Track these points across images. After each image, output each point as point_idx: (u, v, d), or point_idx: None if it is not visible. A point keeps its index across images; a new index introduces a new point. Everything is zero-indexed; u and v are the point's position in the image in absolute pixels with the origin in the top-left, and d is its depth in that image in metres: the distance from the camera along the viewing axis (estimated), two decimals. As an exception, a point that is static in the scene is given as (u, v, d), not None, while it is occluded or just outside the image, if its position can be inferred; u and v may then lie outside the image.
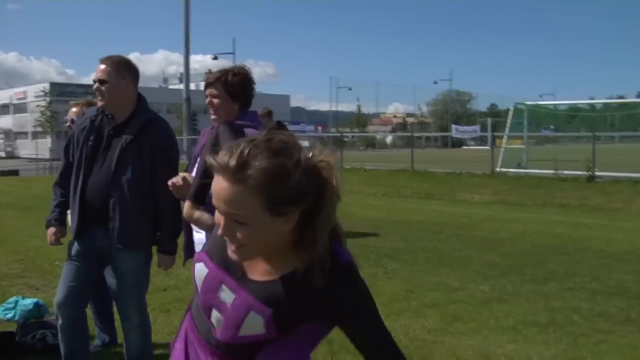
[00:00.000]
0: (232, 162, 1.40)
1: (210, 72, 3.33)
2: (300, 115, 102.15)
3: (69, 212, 3.72)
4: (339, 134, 46.98)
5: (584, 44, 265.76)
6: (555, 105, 41.97)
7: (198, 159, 3.15)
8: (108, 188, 3.46)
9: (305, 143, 1.57)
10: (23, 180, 24.55)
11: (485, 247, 8.53)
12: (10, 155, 64.23)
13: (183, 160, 11.55)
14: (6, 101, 73.17)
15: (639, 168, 19.60)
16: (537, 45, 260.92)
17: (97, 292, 4.26)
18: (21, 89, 72.43)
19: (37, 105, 57.04)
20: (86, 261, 3.58)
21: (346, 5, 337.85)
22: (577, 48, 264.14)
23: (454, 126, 58.77)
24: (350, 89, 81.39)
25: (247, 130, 2.88)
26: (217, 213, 1.48)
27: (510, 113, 29.03)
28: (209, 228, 2.16)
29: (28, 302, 4.83)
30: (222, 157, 1.42)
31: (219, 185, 1.42)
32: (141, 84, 3.76)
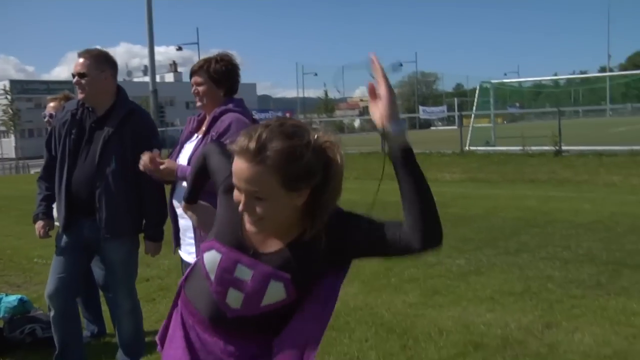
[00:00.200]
0: (252, 146, 1.57)
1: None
2: (268, 103, 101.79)
3: (54, 205, 3.77)
4: (307, 120, 46.92)
5: (545, 18, 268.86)
6: (520, 82, 42.58)
7: (185, 145, 3.23)
8: (93, 179, 3.52)
9: None
10: (-11, 181, 24.18)
11: (459, 224, 8.72)
12: (-27, 156, 62.98)
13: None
14: (-36, 101, 71.61)
15: (603, 141, 20.10)
16: (499, 22, 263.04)
17: (84, 284, 4.31)
18: (-21, 88, 70.89)
19: (-2, 104, 55.85)
20: (75, 252, 3.64)
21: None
22: (539, 23, 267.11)
23: (421, 107, 59.25)
24: (316, 75, 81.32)
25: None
26: (236, 192, 1.63)
27: (477, 92, 29.38)
28: (200, 225, 2.25)
29: (12, 299, 4.84)
30: (242, 141, 1.59)
31: (240, 166, 1.59)
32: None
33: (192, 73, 3.17)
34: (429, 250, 1.63)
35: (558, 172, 14.46)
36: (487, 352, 4.10)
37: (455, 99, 64.06)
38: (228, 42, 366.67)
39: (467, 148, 21.23)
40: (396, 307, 5.09)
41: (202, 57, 3.30)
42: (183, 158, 3.15)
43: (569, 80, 50.10)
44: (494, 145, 22.82)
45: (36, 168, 34.22)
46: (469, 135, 23.26)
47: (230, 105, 3.08)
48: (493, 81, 29.87)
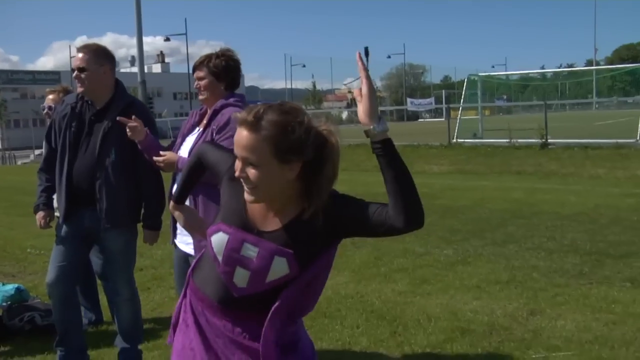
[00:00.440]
0: (250, 117, 1.79)
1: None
2: (256, 94, 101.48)
3: (54, 196, 3.87)
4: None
5: (533, 10, 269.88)
6: (507, 75, 42.83)
7: (186, 138, 3.35)
8: (94, 171, 3.62)
9: None
10: (-24, 172, 24.10)
11: (447, 215, 8.89)
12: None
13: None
14: (-50, 91, 70.83)
15: (589, 134, 20.34)
16: (487, 14, 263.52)
17: (83, 273, 4.41)
18: (-37, 78, 70.17)
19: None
20: (74, 242, 3.74)
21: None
22: (527, 15, 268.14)
23: (409, 99, 59.31)
24: (304, 66, 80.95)
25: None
26: (237, 161, 1.83)
27: (464, 85, 29.54)
28: (186, 225, 2.36)
29: (9, 288, 4.91)
30: (243, 114, 1.80)
31: (239, 134, 1.81)
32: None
33: (194, 68, 3.32)
34: (413, 230, 1.81)
35: (544, 164, 14.67)
36: (474, 338, 4.25)
37: (443, 91, 64.15)
38: (216, 33, 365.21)
39: (454, 140, 21.36)
40: (386, 295, 5.24)
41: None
42: (184, 150, 3.27)
43: (556, 73, 50.55)
44: (481, 138, 22.99)
45: (23, 159, 34.04)
46: (457, 128, 23.40)
47: (231, 100, 3.20)
48: (481, 74, 30.06)
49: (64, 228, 3.74)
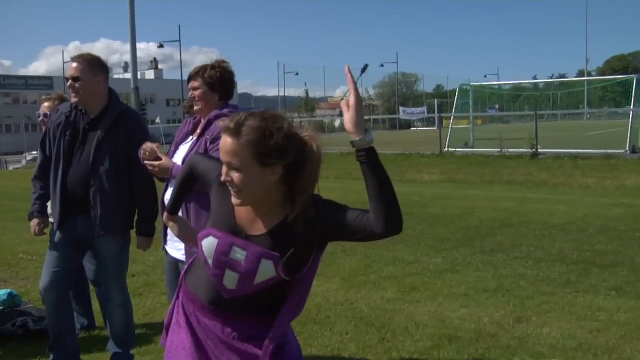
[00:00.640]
0: (232, 124, 1.91)
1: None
2: (249, 101, 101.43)
3: (48, 204, 3.93)
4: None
5: (525, 21, 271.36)
6: (499, 85, 43.10)
7: (180, 147, 3.42)
8: (88, 179, 3.68)
9: None
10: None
11: (437, 224, 8.98)
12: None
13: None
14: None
15: (579, 144, 20.52)
16: (480, 24, 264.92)
17: (76, 278, 4.46)
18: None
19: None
20: (68, 248, 3.80)
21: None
22: (519, 25, 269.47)
23: (401, 108, 59.42)
24: (297, 74, 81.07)
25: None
26: (223, 167, 1.94)
27: (457, 94, 29.71)
28: (180, 235, 2.44)
29: (2, 293, 4.93)
30: (227, 121, 1.94)
31: (224, 141, 1.92)
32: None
33: (190, 78, 3.38)
34: (391, 235, 1.89)
35: (534, 174, 14.80)
36: (461, 345, 4.33)
37: (436, 100, 64.50)
38: (210, 40, 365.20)
39: (446, 149, 21.52)
40: (375, 303, 5.31)
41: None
42: (178, 159, 3.34)
43: (548, 83, 50.94)
44: (472, 147, 23.15)
45: (15, 164, 34.00)
46: (449, 137, 23.57)
47: (225, 110, 3.27)
48: (473, 83, 30.24)
49: (58, 234, 3.80)
